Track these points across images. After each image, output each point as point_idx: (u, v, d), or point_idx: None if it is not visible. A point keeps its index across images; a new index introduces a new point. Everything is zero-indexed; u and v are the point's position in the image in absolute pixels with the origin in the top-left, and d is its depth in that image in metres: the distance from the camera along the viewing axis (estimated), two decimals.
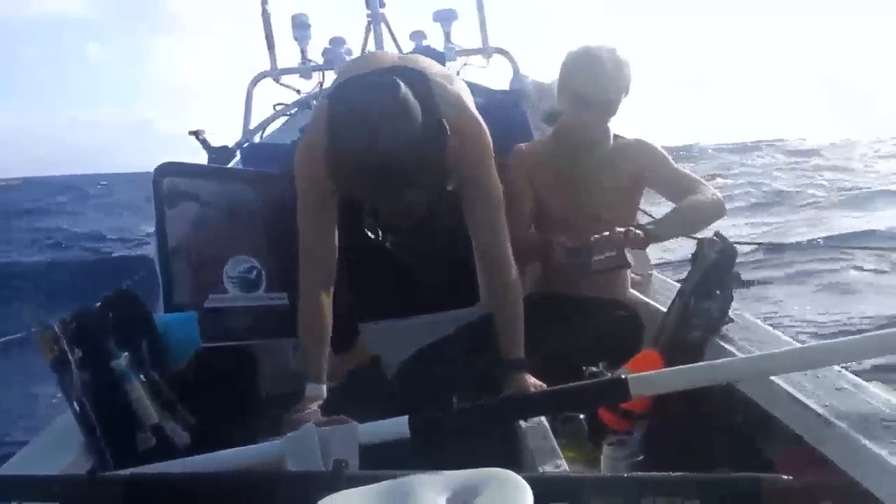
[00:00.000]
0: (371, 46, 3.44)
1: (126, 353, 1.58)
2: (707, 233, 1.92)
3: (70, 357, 1.49)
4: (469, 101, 1.91)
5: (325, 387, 1.78)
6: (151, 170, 2.09)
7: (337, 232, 1.88)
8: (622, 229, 1.98)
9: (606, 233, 1.98)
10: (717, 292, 1.80)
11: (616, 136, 2.27)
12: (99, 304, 1.66)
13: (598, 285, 2.25)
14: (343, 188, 1.74)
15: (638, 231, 1.97)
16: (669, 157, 2.28)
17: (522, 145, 2.36)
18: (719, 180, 13.90)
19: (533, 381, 1.78)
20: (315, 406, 1.71)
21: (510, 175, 2.28)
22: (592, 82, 2.12)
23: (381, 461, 1.45)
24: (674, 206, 2.17)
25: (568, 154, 2.24)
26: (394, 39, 3.46)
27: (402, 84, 1.59)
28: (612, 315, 2.13)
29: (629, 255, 2.02)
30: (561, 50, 2.28)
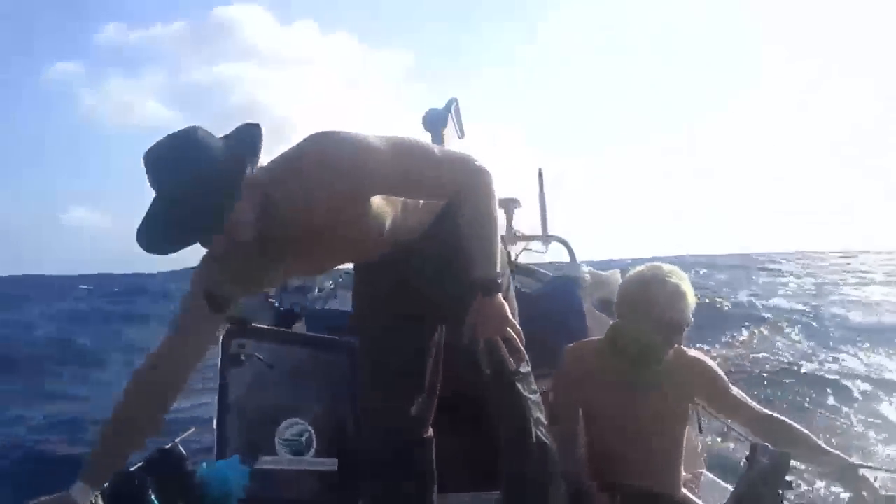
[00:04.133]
0: None
1: None
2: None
3: None
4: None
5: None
6: None
7: None
8: None
9: None
10: (769, 498, 1.76)
11: (678, 351, 2.27)
12: (141, 463, 1.72)
13: (651, 478, 2.20)
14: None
15: None
16: (727, 381, 2.25)
17: (572, 346, 2.37)
18: None
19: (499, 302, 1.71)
20: None
21: (559, 372, 2.31)
22: (660, 308, 2.09)
23: None
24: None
25: (623, 361, 2.23)
26: None
27: (199, 129, 1.55)
28: None
29: None
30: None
